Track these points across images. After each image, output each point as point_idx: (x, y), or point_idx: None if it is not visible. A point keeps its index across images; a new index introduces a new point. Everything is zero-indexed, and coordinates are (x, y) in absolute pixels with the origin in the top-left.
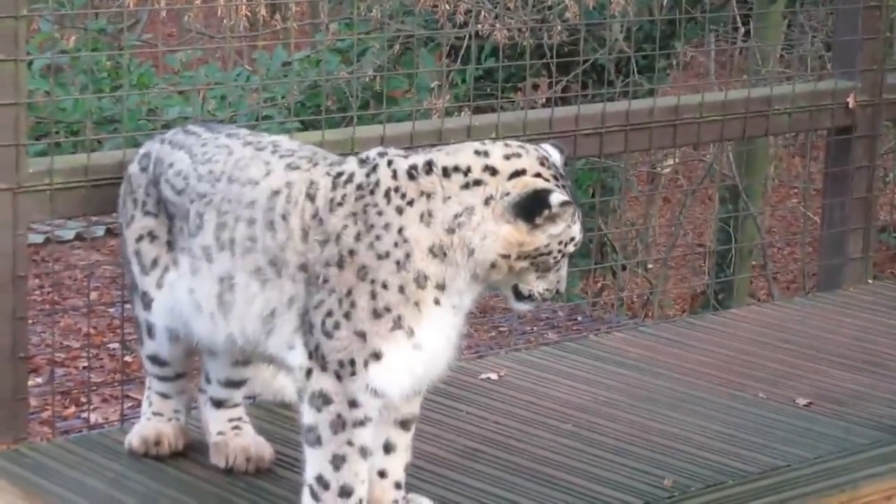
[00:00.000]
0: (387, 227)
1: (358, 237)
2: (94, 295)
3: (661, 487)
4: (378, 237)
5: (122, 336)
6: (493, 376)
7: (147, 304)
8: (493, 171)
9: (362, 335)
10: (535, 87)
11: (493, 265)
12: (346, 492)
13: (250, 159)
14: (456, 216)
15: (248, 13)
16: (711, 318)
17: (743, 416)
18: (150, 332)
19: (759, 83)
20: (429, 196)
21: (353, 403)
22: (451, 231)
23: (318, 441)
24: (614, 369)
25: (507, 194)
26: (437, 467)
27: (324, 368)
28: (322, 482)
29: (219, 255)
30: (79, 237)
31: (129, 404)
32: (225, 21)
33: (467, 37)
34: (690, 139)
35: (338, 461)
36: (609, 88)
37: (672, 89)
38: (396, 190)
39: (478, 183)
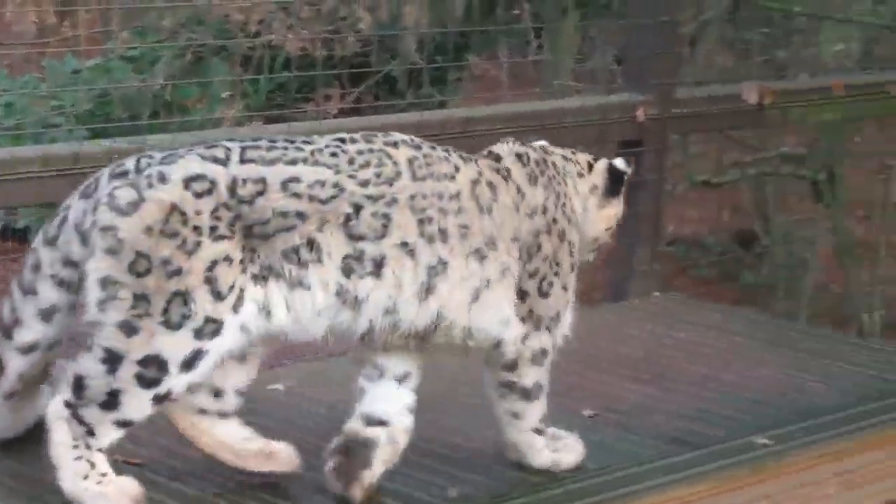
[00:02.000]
0: (567, 195)
1: (555, 206)
2: None
3: (446, 498)
4: (565, 204)
5: None
6: (281, 387)
7: (213, 332)
8: (589, 168)
9: (565, 288)
10: (328, 97)
11: (595, 239)
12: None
13: (426, 157)
14: (585, 201)
15: (37, 19)
16: None
17: None
18: (190, 364)
19: (552, 96)
20: (568, 175)
21: (554, 348)
22: (584, 210)
23: (539, 392)
24: None
25: (596, 186)
26: (219, 476)
27: (538, 327)
28: (543, 420)
29: (427, 248)
30: None
31: None
32: (13, 27)
33: (260, 47)
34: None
35: (545, 398)
36: (401, 100)
37: (465, 101)
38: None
39: (581, 176)
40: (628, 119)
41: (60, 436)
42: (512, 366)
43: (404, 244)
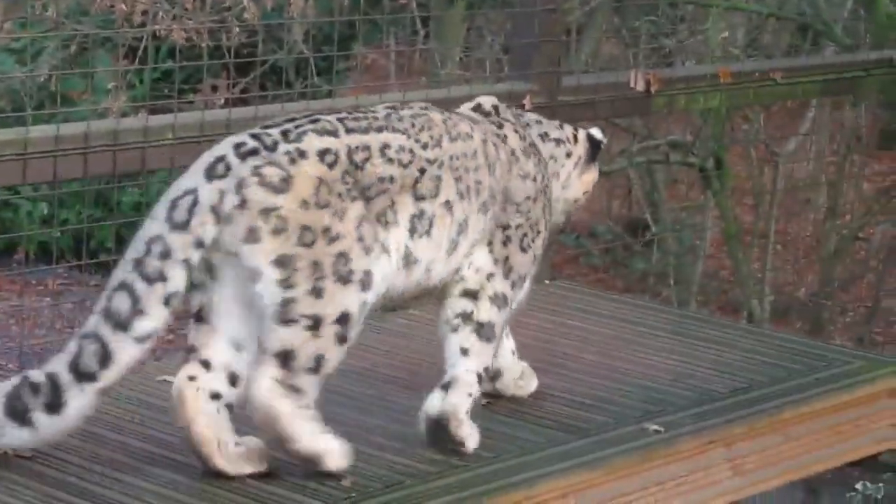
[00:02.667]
0: (549, 179)
1: (542, 181)
2: None
3: (340, 488)
4: (548, 186)
5: None
6: (172, 378)
7: (369, 283)
8: (574, 140)
9: (535, 258)
10: (215, 88)
11: (575, 200)
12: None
13: (450, 118)
14: (567, 179)
15: None
16: (393, 320)
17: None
18: (360, 315)
19: (439, 85)
20: (555, 160)
21: (511, 307)
22: (564, 188)
23: (492, 336)
24: None
25: (581, 157)
26: (116, 472)
27: (506, 276)
28: (486, 371)
29: (459, 204)
30: None
31: None
32: None
33: (145, 38)
34: None
35: (493, 354)
36: (289, 90)
37: (352, 91)
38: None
39: (569, 155)
40: (516, 107)
41: (286, 407)
42: (472, 294)
43: (447, 202)
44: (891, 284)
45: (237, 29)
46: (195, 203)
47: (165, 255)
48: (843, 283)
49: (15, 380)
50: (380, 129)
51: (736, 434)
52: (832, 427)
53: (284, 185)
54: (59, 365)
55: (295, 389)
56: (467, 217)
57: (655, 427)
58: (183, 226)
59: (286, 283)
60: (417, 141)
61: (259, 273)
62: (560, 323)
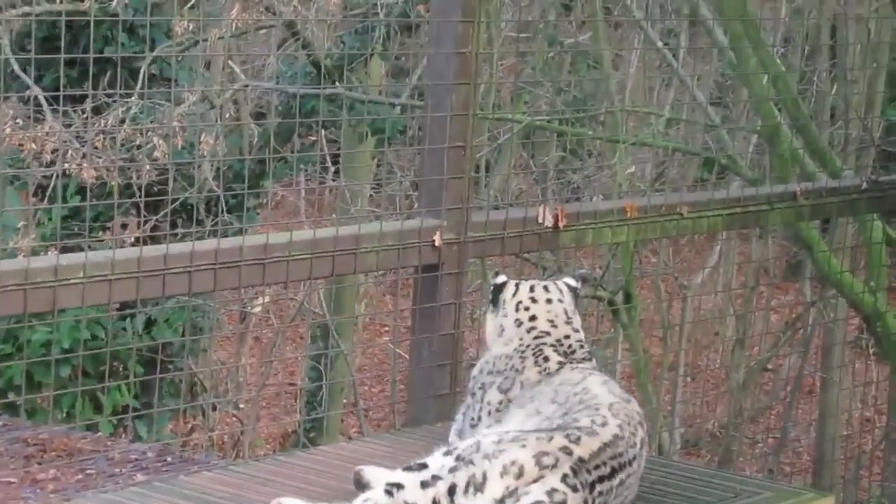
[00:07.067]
0: None
1: None
2: None
3: None
4: None
5: None
6: None
7: None
8: None
9: None
10: (125, 225)
11: None
12: None
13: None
14: None
15: None
16: (300, 454)
17: None
18: None
19: (350, 222)
20: None
21: None
22: None
23: None
24: None
25: None
26: None
27: None
28: None
29: None
30: None
31: None
32: None
33: (54, 175)
34: (280, 277)
35: None
36: (199, 227)
37: (262, 228)
38: None
39: None
40: (426, 243)
41: None
42: None
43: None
44: (799, 415)
45: (147, 167)
46: None
47: None
48: (752, 415)
49: None
50: None
51: None
52: None
53: None
54: None
55: None
56: None
57: None
58: None
59: None
60: None
61: None
62: None
